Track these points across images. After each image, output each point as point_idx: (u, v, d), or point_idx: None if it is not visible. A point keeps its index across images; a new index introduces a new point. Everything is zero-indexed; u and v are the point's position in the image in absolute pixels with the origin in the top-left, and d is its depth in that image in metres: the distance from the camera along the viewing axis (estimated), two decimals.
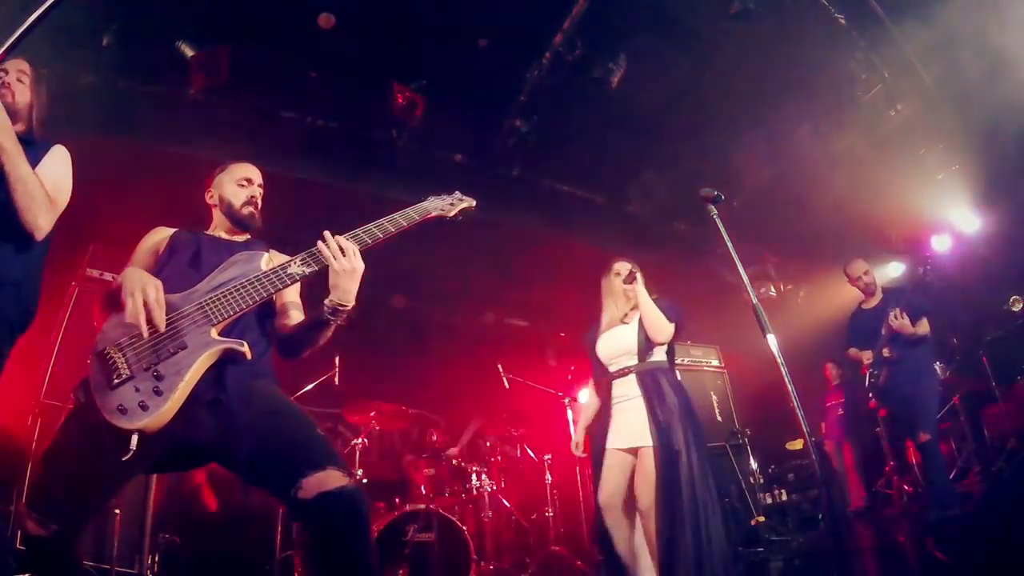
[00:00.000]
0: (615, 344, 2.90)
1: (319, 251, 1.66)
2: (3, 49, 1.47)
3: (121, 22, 3.58)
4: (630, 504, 2.64)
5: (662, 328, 2.81)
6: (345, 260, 1.64)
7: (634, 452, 2.65)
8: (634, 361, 2.82)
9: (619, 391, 2.81)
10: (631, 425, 2.67)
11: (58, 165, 1.78)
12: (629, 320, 2.95)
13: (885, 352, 3.82)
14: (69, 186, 1.80)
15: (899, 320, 3.69)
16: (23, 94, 1.81)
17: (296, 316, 1.89)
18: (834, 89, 4.72)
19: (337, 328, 1.80)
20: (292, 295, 1.94)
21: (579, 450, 3.12)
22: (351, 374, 4.11)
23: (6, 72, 1.77)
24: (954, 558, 2.64)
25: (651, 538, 2.48)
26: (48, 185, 1.67)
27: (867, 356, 3.94)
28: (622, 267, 3.05)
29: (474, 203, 2.06)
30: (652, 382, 2.75)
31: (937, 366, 5.09)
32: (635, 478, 2.61)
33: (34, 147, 1.72)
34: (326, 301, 1.68)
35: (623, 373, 2.83)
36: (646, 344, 2.82)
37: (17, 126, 1.74)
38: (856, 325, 4.19)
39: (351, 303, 1.68)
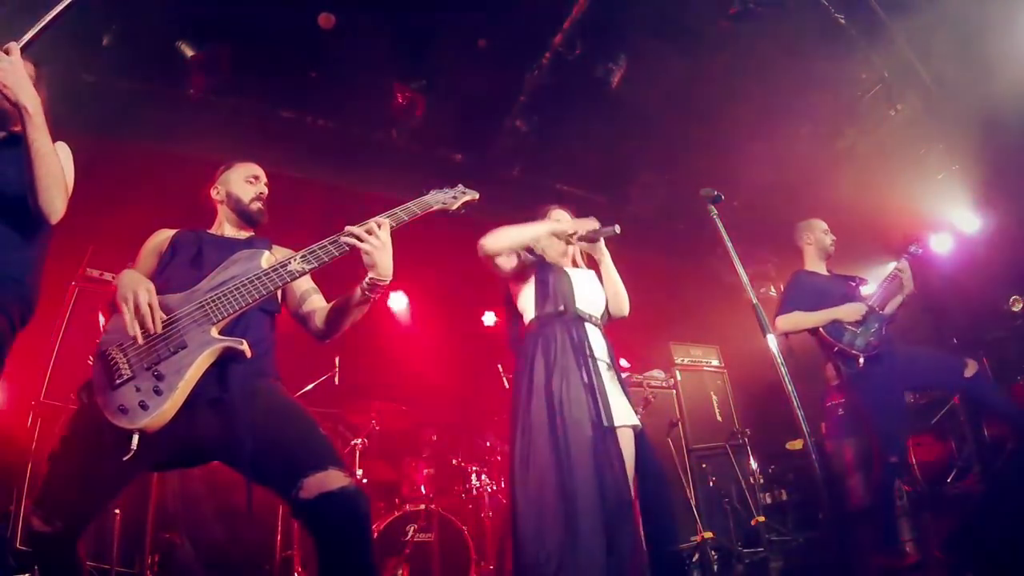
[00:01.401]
0: (582, 282, 2.31)
1: (345, 241, 1.71)
2: (36, 31, 1.52)
3: (121, 22, 3.58)
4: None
5: (627, 299, 2.36)
6: (373, 238, 1.70)
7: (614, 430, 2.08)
8: (598, 313, 2.29)
9: (595, 341, 2.17)
10: (614, 395, 2.08)
11: (62, 159, 1.79)
12: (581, 267, 2.44)
13: (884, 309, 3.11)
14: (72, 180, 1.82)
15: (908, 271, 3.10)
16: None
17: (318, 300, 1.95)
18: (834, 89, 4.72)
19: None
20: (307, 282, 1.98)
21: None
22: (351, 374, 4.12)
23: None
24: (954, 558, 2.64)
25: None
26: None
27: (856, 311, 3.09)
28: (563, 215, 2.49)
29: (477, 196, 2.06)
30: (611, 348, 2.23)
31: None
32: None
33: None
34: (365, 279, 1.75)
35: (595, 321, 2.24)
36: (606, 309, 2.35)
37: (18, 126, 1.75)
38: (809, 288, 3.33)
39: (389, 277, 1.75)
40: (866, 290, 3.38)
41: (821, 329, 3.13)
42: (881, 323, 3.09)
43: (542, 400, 1.97)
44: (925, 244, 3.27)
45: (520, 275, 2.32)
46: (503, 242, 2.23)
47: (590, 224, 2.35)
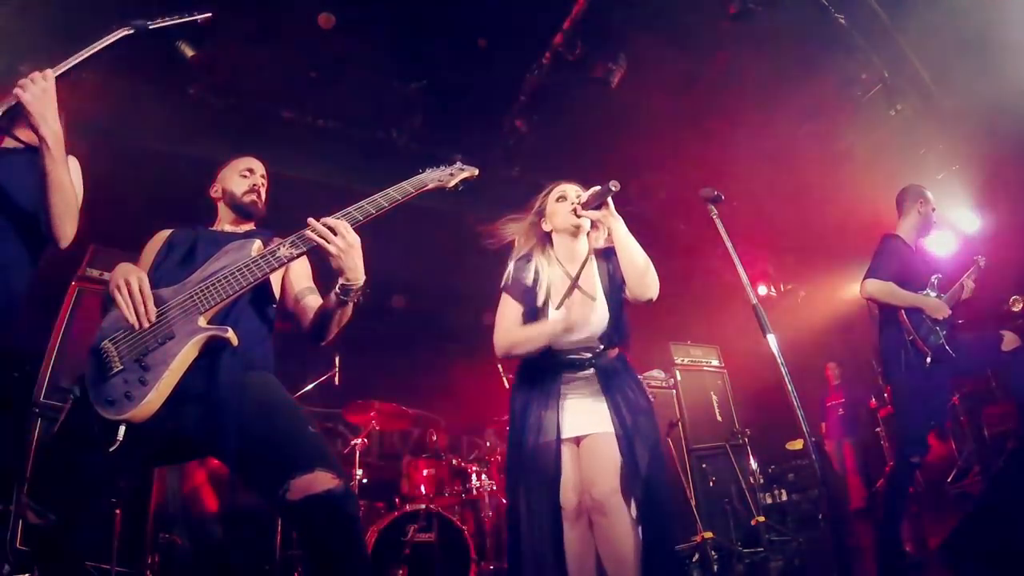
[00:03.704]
0: (578, 330, 2.04)
1: (307, 238, 1.64)
2: (67, 67, 1.65)
3: (121, 22, 3.58)
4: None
5: (652, 278, 2.00)
6: (339, 239, 1.61)
7: (577, 440, 2.02)
8: (596, 349, 2.07)
9: (571, 383, 2.07)
10: (585, 409, 2.02)
11: (74, 177, 1.80)
12: (592, 290, 2.10)
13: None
14: (81, 194, 1.84)
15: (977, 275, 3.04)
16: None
17: (312, 300, 1.89)
18: (834, 89, 4.73)
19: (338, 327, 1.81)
20: (304, 280, 1.95)
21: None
22: (351, 374, 4.12)
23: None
24: (954, 558, 2.64)
25: (614, 535, 1.85)
26: None
27: (941, 309, 2.95)
28: (571, 189, 2.17)
29: (476, 172, 1.95)
30: (615, 375, 2.05)
31: None
32: (586, 467, 1.98)
33: None
34: (336, 284, 1.68)
35: (581, 365, 2.05)
36: (616, 325, 2.06)
37: (28, 131, 1.77)
38: (903, 259, 3.07)
39: (360, 279, 1.67)
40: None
41: (903, 312, 2.96)
42: (951, 328, 2.97)
43: (514, 425, 2.11)
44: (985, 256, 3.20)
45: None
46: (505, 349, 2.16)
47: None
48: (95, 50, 1.66)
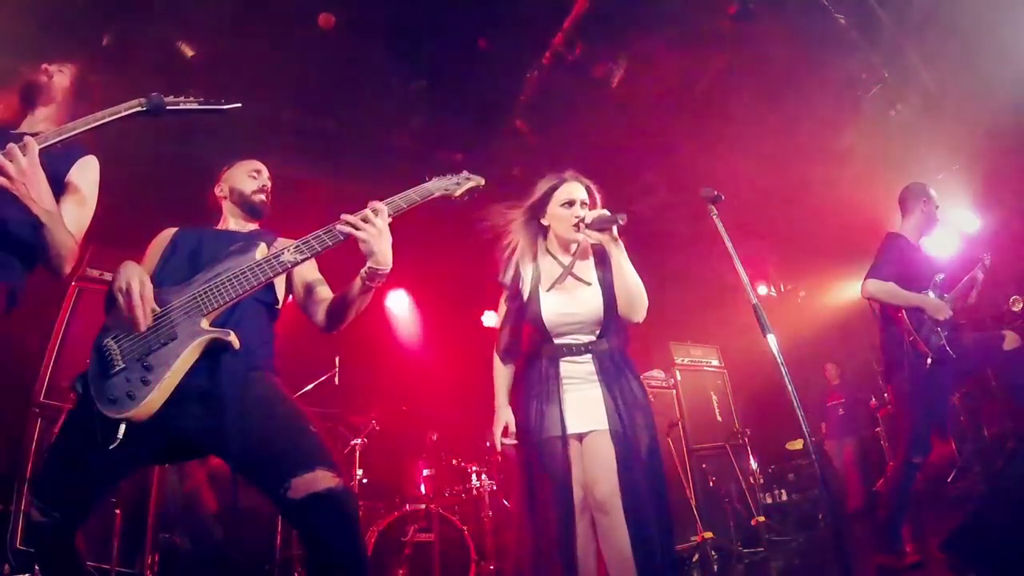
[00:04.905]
0: (572, 310, 2.10)
1: (338, 230, 1.67)
2: (63, 137, 1.59)
3: (121, 22, 3.58)
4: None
5: (643, 301, 2.06)
6: (370, 226, 1.66)
7: (579, 437, 2.06)
8: (592, 337, 2.11)
9: (570, 371, 2.10)
10: (585, 404, 2.06)
11: (89, 187, 1.83)
12: (586, 277, 2.15)
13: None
14: (95, 202, 1.85)
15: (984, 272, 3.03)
16: (62, 79, 1.88)
17: (323, 291, 1.93)
18: (834, 89, 4.73)
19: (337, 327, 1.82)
20: (313, 273, 1.98)
21: (511, 438, 2.13)
22: (351, 374, 4.12)
23: (49, 64, 1.86)
24: (954, 558, 2.63)
25: (615, 534, 1.88)
26: (79, 224, 1.74)
27: (943, 310, 2.89)
28: (578, 193, 2.19)
29: (483, 182, 2.00)
30: (613, 367, 2.08)
31: None
32: (588, 466, 2.00)
33: (67, 149, 1.74)
34: (364, 268, 1.71)
35: (578, 351, 2.09)
36: (615, 318, 2.10)
37: (49, 108, 1.85)
38: (907, 259, 3.02)
39: (388, 265, 1.70)
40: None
41: (905, 312, 2.93)
42: (952, 329, 2.94)
43: (518, 420, 2.17)
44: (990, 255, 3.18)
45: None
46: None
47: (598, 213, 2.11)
48: (94, 125, 1.62)
